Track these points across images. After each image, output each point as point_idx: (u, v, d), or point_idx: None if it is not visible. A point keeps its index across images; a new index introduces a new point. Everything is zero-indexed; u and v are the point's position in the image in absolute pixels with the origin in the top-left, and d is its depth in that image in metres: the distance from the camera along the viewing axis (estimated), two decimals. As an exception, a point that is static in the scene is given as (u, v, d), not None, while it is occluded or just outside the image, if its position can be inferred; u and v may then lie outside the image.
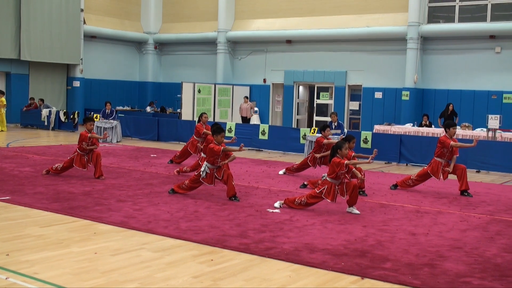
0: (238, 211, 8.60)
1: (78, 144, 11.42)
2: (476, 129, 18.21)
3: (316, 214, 8.56)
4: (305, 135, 17.19)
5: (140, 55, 30.42)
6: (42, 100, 24.65)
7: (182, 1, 29.24)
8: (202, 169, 9.58)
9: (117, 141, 19.67)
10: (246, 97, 25.25)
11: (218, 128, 9.84)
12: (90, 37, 27.70)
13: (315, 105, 25.31)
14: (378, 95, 23.56)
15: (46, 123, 23.71)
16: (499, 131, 16.66)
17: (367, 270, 5.88)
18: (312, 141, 15.85)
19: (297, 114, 25.95)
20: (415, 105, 22.27)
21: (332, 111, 21.37)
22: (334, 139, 14.70)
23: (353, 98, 24.62)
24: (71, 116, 23.26)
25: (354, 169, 8.86)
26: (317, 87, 25.20)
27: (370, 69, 23.66)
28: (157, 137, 20.60)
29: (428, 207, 9.50)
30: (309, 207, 8.90)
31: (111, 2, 28.98)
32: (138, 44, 30.23)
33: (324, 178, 8.83)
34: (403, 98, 22.37)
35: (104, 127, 19.53)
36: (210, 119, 20.28)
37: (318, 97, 25.16)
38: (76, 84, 27.23)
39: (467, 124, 18.50)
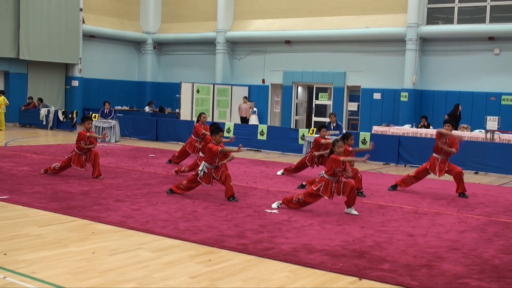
0: (236, 211, 8.60)
1: (76, 143, 11.41)
2: (475, 131, 18.22)
3: (314, 215, 8.56)
4: (303, 135, 17.21)
5: (139, 55, 30.41)
6: (40, 99, 24.62)
7: (181, 1, 29.24)
8: (200, 168, 9.58)
9: (115, 141, 19.66)
10: (246, 98, 25.25)
11: (216, 128, 9.84)
12: (89, 36, 27.69)
13: (313, 105, 25.32)
14: (377, 96, 23.58)
15: (44, 123, 23.68)
16: (497, 132, 16.67)
17: (365, 271, 5.89)
18: (310, 142, 15.87)
19: (296, 115, 25.95)
20: (414, 106, 22.28)
21: (331, 111, 21.36)
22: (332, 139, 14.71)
23: (351, 99, 24.63)
24: (70, 116, 23.24)
25: (347, 166, 8.89)
26: (316, 87, 25.21)
27: (369, 70, 23.68)
28: (156, 137, 20.59)
29: (426, 208, 9.51)
30: (306, 206, 8.90)
31: (110, 1, 28.97)
32: (137, 44, 30.22)
33: (322, 175, 8.83)
34: (402, 99, 22.38)
35: (102, 127, 19.52)
36: (209, 119, 20.28)
37: (317, 98, 25.16)
38: (75, 83, 27.20)
39: (465, 126, 18.52)
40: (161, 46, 30.21)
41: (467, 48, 21.70)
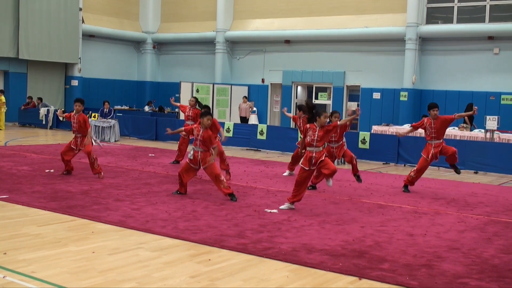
0: (236, 211, 8.60)
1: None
2: (474, 130, 18.21)
3: (313, 215, 8.56)
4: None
5: (138, 55, 30.40)
6: (40, 99, 24.62)
7: (180, 1, 29.23)
8: (189, 151, 9.60)
9: (115, 141, 19.65)
10: (245, 97, 25.25)
11: (205, 112, 9.69)
12: (89, 36, 27.68)
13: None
14: (376, 95, 23.58)
15: (44, 122, 23.69)
16: (497, 132, 16.67)
17: (364, 271, 5.89)
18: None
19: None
20: (413, 105, 22.28)
21: (331, 111, 21.34)
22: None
23: (351, 98, 24.63)
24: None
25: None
26: (316, 87, 25.21)
27: (369, 70, 23.68)
28: (155, 137, 20.59)
29: (426, 208, 9.51)
30: (301, 189, 8.90)
31: (109, 1, 28.96)
32: (137, 44, 30.21)
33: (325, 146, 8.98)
34: (401, 98, 22.38)
35: (102, 126, 19.51)
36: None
37: (316, 98, 25.17)
38: (74, 83, 27.20)
39: (464, 125, 18.51)
40: (160, 45, 30.21)
41: (466, 48, 21.70)
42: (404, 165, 15.81)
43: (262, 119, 26.05)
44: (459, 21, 21.75)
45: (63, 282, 5.19)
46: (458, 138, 16.48)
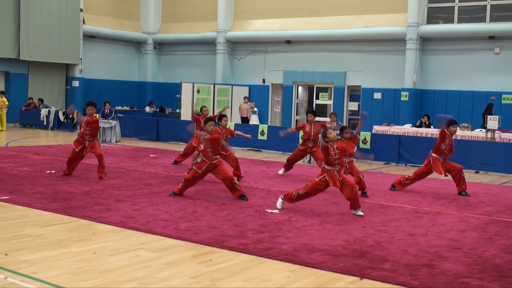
0: (237, 211, 8.60)
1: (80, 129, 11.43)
2: (475, 130, 18.22)
3: (315, 215, 8.56)
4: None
5: (139, 55, 30.42)
6: (41, 99, 24.64)
7: (181, 1, 29.25)
8: (198, 157, 9.58)
9: (116, 141, 19.66)
10: (246, 98, 25.26)
11: (208, 118, 9.86)
12: (90, 37, 27.70)
13: (314, 105, 25.31)
14: (377, 95, 23.58)
15: (45, 123, 23.70)
16: (498, 131, 16.67)
17: (366, 271, 5.88)
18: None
19: (296, 115, 25.95)
20: (414, 105, 22.28)
21: (332, 111, 21.35)
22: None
23: (352, 98, 24.62)
24: (70, 116, 23.25)
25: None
26: (316, 87, 25.20)
27: (369, 70, 23.68)
28: (156, 137, 20.60)
29: (427, 208, 9.50)
30: (307, 198, 8.85)
31: (110, 2, 28.98)
32: (138, 44, 30.23)
33: (323, 166, 8.81)
34: (402, 98, 22.38)
35: (103, 127, 19.51)
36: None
37: (317, 98, 25.16)
38: (75, 84, 27.23)
39: (466, 125, 18.52)
40: (161, 46, 30.22)
41: (467, 48, 21.69)
42: (405, 165, 15.81)
43: (263, 119, 26.06)
44: (460, 21, 21.75)
45: (64, 283, 5.19)
46: (459, 138, 16.46)
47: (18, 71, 25.54)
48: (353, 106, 24.41)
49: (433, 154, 10.92)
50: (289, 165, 12.95)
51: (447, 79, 22.11)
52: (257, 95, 26.64)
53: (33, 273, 5.42)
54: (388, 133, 18.28)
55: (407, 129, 18.83)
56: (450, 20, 22.05)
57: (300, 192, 8.76)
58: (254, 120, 25.11)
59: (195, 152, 10.07)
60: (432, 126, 19.13)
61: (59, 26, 25.80)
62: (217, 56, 27.04)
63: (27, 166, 12.50)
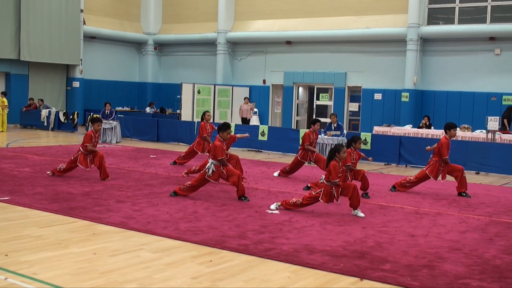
0: (238, 212, 8.60)
1: (82, 144, 11.35)
2: (476, 131, 18.21)
3: (315, 215, 8.56)
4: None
5: (139, 56, 30.43)
6: (41, 100, 24.64)
7: (182, 2, 29.26)
8: (208, 166, 9.56)
9: (116, 142, 19.66)
10: (247, 98, 25.26)
11: (224, 125, 9.96)
12: (90, 37, 27.70)
13: (314, 106, 25.31)
14: (378, 96, 23.58)
15: (45, 124, 23.70)
16: (498, 132, 16.66)
17: (366, 272, 5.89)
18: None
19: (297, 115, 25.95)
20: (415, 106, 22.28)
21: (332, 112, 21.37)
22: (334, 140, 14.75)
23: (352, 99, 24.63)
24: (71, 117, 23.26)
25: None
26: (317, 88, 25.20)
27: (370, 71, 23.68)
28: (157, 138, 20.60)
29: (427, 209, 9.50)
30: (304, 207, 8.89)
31: (111, 3, 28.99)
32: (138, 45, 30.23)
33: (322, 181, 8.83)
34: (403, 99, 22.38)
35: (103, 128, 19.51)
36: (210, 120, 20.28)
37: (317, 98, 25.16)
38: (76, 84, 27.23)
39: (466, 126, 18.51)
40: (161, 47, 30.23)
41: (468, 49, 21.69)
42: (406, 166, 15.81)
43: (263, 120, 26.06)
44: (460, 21, 21.75)
45: (64, 283, 5.19)
46: (459, 138, 16.46)
47: (18, 72, 25.54)
48: (354, 107, 24.41)
49: (434, 159, 10.95)
50: (286, 175, 12.80)
51: (448, 80, 22.11)
52: (258, 95, 26.65)
53: (34, 273, 5.42)
54: (389, 134, 18.27)
55: (408, 130, 18.82)
56: (451, 21, 22.06)
57: (298, 201, 8.78)
58: (254, 120, 25.11)
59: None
60: (432, 127, 19.12)
61: (59, 27, 25.81)
62: (218, 56, 27.05)
63: (27, 167, 12.50)
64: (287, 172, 12.67)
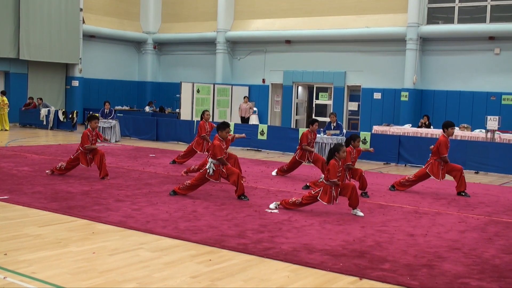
0: (237, 211, 8.60)
1: (81, 144, 11.31)
2: (475, 130, 18.21)
3: (314, 215, 8.56)
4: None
5: (139, 55, 30.41)
6: (41, 99, 24.63)
7: (181, 1, 29.24)
8: (208, 166, 9.55)
9: (115, 141, 19.65)
10: (246, 97, 25.25)
11: (222, 124, 9.94)
12: (89, 36, 27.69)
13: (314, 105, 25.31)
14: (377, 95, 23.58)
15: (44, 123, 23.69)
16: (498, 132, 16.67)
17: (365, 271, 5.88)
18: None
19: (296, 115, 25.95)
20: (414, 106, 22.28)
21: (331, 111, 21.36)
22: (334, 139, 14.74)
23: (352, 98, 24.62)
24: (70, 116, 23.24)
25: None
26: (316, 87, 25.20)
27: (369, 70, 23.67)
28: (156, 137, 20.59)
29: (427, 208, 9.50)
30: (303, 207, 8.89)
31: (110, 1, 28.97)
32: (137, 44, 30.22)
33: (321, 180, 8.83)
34: (402, 99, 22.38)
35: (103, 127, 19.51)
36: (210, 119, 20.32)
37: (317, 98, 25.16)
38: (75, 83, 27.21)
39: (465, 125, 18.51)
40: (161, 46, 30.22)
41: (467, 48, 21.69)
42: (405, 165, 15.81)
43: (262, 119, 26.06)
44: (460, 21, 21.75)
45: (63, 282, 5.19)
46: (459, 138, 16.46)
47: (17, 71, 25.52)
48: (353, 106, 24.41)
49: (433, 159, 10.94)
50: (283, 174, 12.81)
51: (447, 79, 22.11)
52: (257, 95, 26.64)
53: (33, 273, 5.42)
54: (388, 133, 18.27)
55: (407, 129, 18.82)
56: (450, 21, 22.06)
57: (297, 200, 8.78)
58: (253, 120, 25.11)
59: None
60: (432, 127, 19.11)
61: (59, 26, 25.79)
62: (217, 56, 27.04)
63: (26, 166, 12.49)
64: (285, 171, 12.67)
